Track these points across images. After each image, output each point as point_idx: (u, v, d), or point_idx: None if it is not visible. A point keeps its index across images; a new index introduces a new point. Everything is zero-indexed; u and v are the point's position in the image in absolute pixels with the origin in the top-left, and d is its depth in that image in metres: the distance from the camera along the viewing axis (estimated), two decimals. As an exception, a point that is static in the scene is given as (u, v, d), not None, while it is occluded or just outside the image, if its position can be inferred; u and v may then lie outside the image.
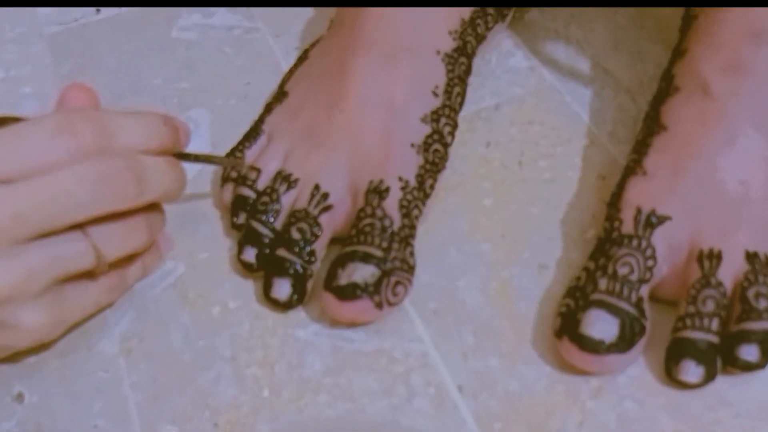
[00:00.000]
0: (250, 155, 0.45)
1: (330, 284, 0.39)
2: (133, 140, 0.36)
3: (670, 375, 0.37)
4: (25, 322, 0.35)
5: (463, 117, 0.48)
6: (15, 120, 0.35)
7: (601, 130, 0.48)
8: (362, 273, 0.39)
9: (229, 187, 0.44)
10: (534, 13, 0.55)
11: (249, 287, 0.43)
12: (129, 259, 0.40)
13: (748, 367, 0.36)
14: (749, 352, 0.36)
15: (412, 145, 0.43)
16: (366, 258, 0.39)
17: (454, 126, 0.45)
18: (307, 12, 0.57)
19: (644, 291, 0.38)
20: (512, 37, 0.54)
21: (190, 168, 0.46)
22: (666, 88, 0.43)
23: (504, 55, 0.53)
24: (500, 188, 0.46)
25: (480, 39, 0.48)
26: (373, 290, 0.39)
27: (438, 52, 0.45)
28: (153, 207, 0.39)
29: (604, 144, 0.47)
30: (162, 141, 0.37)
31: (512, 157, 0.47)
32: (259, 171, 0.43)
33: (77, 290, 0.37)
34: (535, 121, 0.49)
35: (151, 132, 0.37)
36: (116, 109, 0.37)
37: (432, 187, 0.43)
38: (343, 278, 0.39)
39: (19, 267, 0.33)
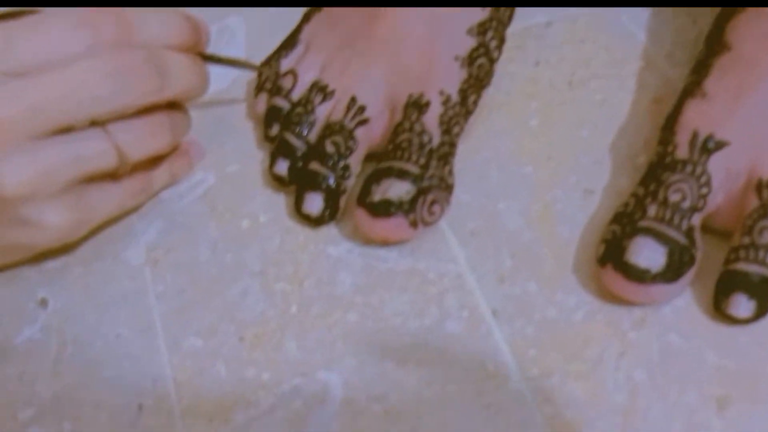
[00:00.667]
0: (286, 65, 0.44)
1: (363, 200, 0.38)
2: (155, 35, 0.36)
3: (719, 308, 0.35)
4: (46, 220, 0.34)
5: (511, 33, 0.46)
6: (32, 13, 0.34)
7: (657, 51, 0.46)
8: (397, 190, 0.38)
9: (263, 98, 0.44)
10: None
11: (280, 201, 0.42)
12: (154, 162, 0.39)
13: (806, 304, 0.35)
14: (807, 288, 0.34)
15: (456, 58, 0.41)
16: (402, 174, 0.38)
17: (502, 41, 0.43)
18: None
19: (696, 220, 0.36)
20: None
21: (224, 77, 0.46)
22: (732, 6, 0.40)
23: None
24: (548, 109, 0.45)
25: None
26: (407, 208, 0.38)
27: None
28: (177, 108, 0.39)
29: (660, 66, 0.45)
30: (184, 37, 0.37)
31: (562, 77, 0.46)
32: (295, 81, 0.43)
33: (101, 191, 0.37)
34: (587, 39, 0.47)
35: (173, 28, 0.36)
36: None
37: (475, 103, 0.42)
38: (377, 194, 0.38)
39: (37, 163, 0.33)
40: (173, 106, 0.38)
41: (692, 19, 0.47)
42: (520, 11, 0.47)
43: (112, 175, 0.37)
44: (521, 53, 0.47)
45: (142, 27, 0.35)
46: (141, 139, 0.36)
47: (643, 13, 0.48)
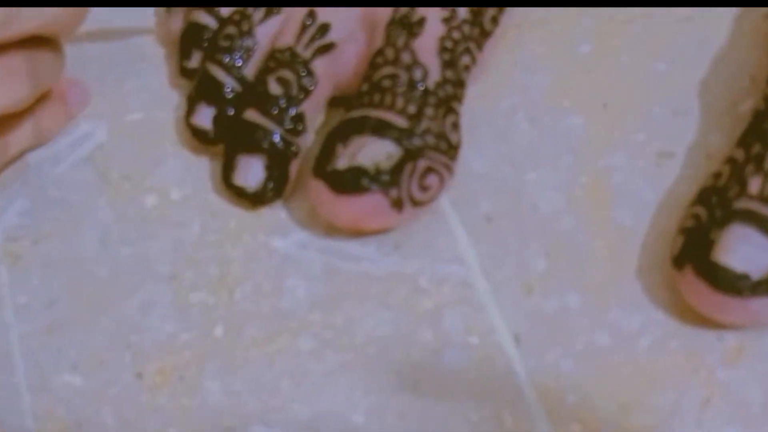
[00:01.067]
0: None
1: (323, 168, 0.40)
2: None
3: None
4: None
5: None
6: None
7: None
8: (373, 152, 0.40)
9: (180, 11, 0.46)
10: None
11: (203, 168, 0.44)
12: (11, 119, 0.40)
13: None
14: None
15: None
16: (381, 129, 0.40)
17: None
18: None
19: None
20: None
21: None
22: None
23: None
24: (607, 29, 0.47)
25: None
26: (388, 180, 0.39)
27: None
28: (42, 44, 0.40)
29: None
30: None
31: None
32: None
33: None
34: None
35: None
36: None
37: (495, 21, 0.44)
38: (344, 159, 0.40)
39: None
40: (37, 43, 0.39)
41: None
42: None
43: None
44: None
45: None
46: None
47: None
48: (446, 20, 0.42)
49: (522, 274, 0.40)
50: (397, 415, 0.37)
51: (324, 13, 0.43)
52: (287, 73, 0.42)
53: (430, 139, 0.40)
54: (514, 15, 0.46)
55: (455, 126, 0.41)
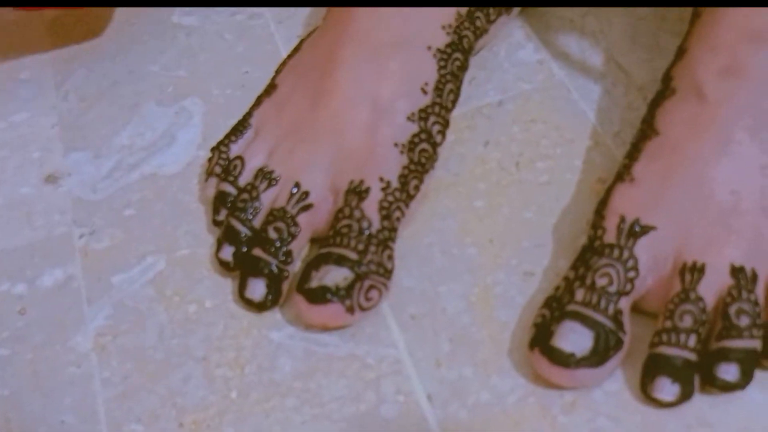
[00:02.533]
0: (236, 150, 0.48)
1: (302, 286, 0.42)
2: None
3: (645, 392, 0.39)
4: None
5: (464, 114, 0.51)
6: None
7: (606, 130, 0.50)
8: (334, 276, 0.42)
9: (213, 182, 0.48)
10: (550, 2, 0.57)
11: (227, 286, 0.46)
12: None
13: (727, 387, 0.38)
14: (728, 372, 0.38)
15: (396, 145, 0.45)
16: (340, 261, 0.42)
17: (445, 125, 0.47)
18: None
19: (624, 304, 0.40)
20: (524, 28, 0.56)
21: (178, 160, 0.50)
22: (663, 90, 0.45)
23: (513, 47, 0.55)
24: (494, 190, 0.48)
25: (480, 33, 0.50)
26: (344, 294, 0.41)
27: (429, 48, 0.47)
28: None
29: (607, 145, 0.49)
30: None
31: (510, 157, 0.50)
32: (242, 166, 0.47)
33: None
34: (538, 119, 0.51)
35: None
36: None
37: (417, 188, 0.46)
38: (315, 281, 0.42)
39: None
40: None
41: (643, 95, 0.50)
42: (470, 91, 0.52)
43: None
44: (471, 133, 0.51)
45: None
46: None
47: (594, 91, 0.52)
48: (383, 189, 0.43)
49: (434, 354, 0.42)
50: None
51: (305, 184, 0.44)
52: (281, 225, 0.43)
53: (373, 267, 0.42)
54: (431, 180, 0.47)
55: (390, 257, 0.43)
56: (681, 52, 0.45)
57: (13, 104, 0.56)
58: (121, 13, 0.61)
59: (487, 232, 0.47)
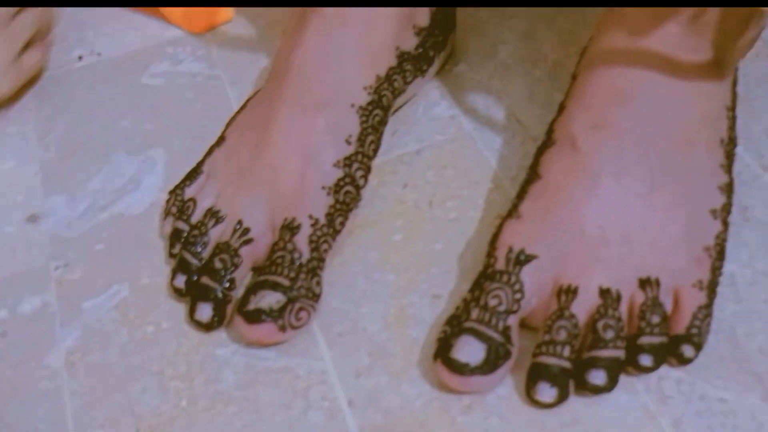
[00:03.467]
0: (190, 192, 0.49)
1: (241, 309, 0.43)
2: None
3: (529, 395, 0.40)
4: None
5: (387, 161, 0.53)
6: None
7: (505, 174, 0.52)
8: (269, 300, 0.43)
9: (170, 221, 0.49)
10: (462, 66, 0.59)
11: (181, 310, 0.46)
12: None
13: (597, 390, 0.40)
14: (597, 377, 0.40)
15: (323, 188, 0.46)
16: (274, 286, 0.43)
17: (367, 170, 0.49)
18: (262, 62, 0.61)
19: (512, 321, 0.41)
20: (439, 88, 0.57)
21: (143, 202, 0.51)
22: (546, 140, 0.46)
23: (430, 105, 0.56)
24: (410, 225, 0.49)
25: (397, 93, 0.52)
26: (277, 315, 0.42)
27: (353, 105, 0.48)
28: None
29: (505, 187, 0.51)
30: None
31: (425, 197, 0.51)
32: (194, 206, 0.48)
33: None
34: (449, 165, 0.52)
35: None
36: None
37: (342, 224, 0.47)
38: (252, 304, 0.43)
39: None
40: None
41: (536, 145, 0.51)
42: (393, 142, 0.53)
43: None
44: (393, 177, 0.52)
45: None
46: None
47: (496, 142, 0.54)
48: (312, 225, 0.44)
49: (355, 366, 0.43)
50: None
51: (247, 221, 0.45)
52: (225, 256, 0.44)
53: (303, 292, 0.43)
54: (356, 217, 0.48)
55: (318, 283, 0.44)
56: (561, 109, 0.47)
57: (2, 154, 0.56)
58: (97, 73, 0.61)
59: (404, 261, 0.48)
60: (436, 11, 0.54)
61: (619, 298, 0.41)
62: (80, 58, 0.64)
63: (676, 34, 0.44)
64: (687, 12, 0.43)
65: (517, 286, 0.41)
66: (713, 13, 0.43)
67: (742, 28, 0.44)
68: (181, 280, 0.46)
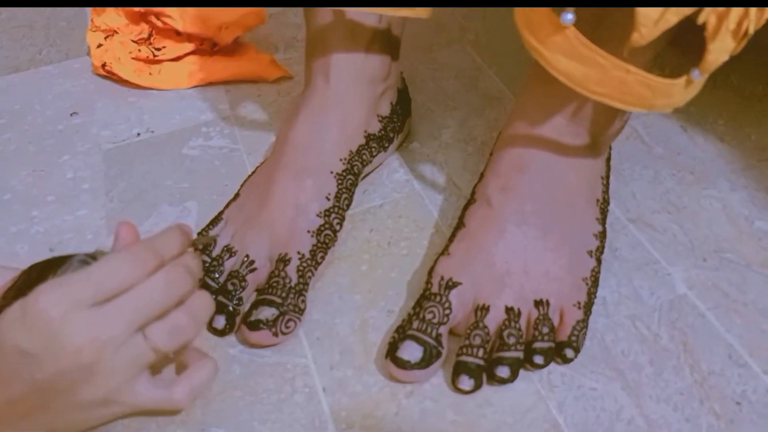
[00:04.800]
0: (212, 233, 0.50)
1: (245, 319, 0.44)
2: (173, 250, 0.38)
3: (453, 384, 0.41)
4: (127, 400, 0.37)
5: (358, 212, 0.54)
6: (89, 257, 0.37)
7: (444, 222, 0.53)
8: (266, 313, 0.44)
9: (198, 255, 0.49)
10: (415, 144, 0.60)
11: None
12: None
13: (502, 381, 0.41)
14: (503, 371, 0.41)
15: (309, 231, 0.47)
16: (270, 303, 0.44)
17: (342, 219, 0.49)
18: (271, 138, 0.62)
19: (443, 330, 0.42)
20: (398, 159, 0.59)
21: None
22: (471, 199, 0.48)
23: (391, 171, 0.58)
24: (374, 259, 0.50)
25: (365, 163, 0.53)
26: (271, 324, 0.43)
27: (332, 172, 0.49)
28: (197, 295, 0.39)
29: (444, 232, 0.52)
30: (184, 244, 0.39)
31: (385, 239, 0.52)
32: (215, 244, 0.48)
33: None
34: (403, 215, 0.53)
35: (177, 241, 0.38)
36: (152, 236, 0.39)
37: (323, 258, 0.47)
38: (253, 316, 0.44)
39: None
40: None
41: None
42: (363, 198, 0.54)
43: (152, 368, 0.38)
44: (362, 224, 0.53)
45: (165, 249, 0.37)
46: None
47: (438, 199, 0.55)
48: (300, 258, 0.44)
49: (329, 361, 0.43)
50: (272, 422, 0.40)
51: (252, 255, 0.45)
52: (236, 281, 0.45)
53: (291, 307, 0.43)
54: (334, 254, 0.48)
55: (303, 301, 0.44)
56: (480, 177, 0.49)
57: (77, 204, 0.57)
58: (150, 146, 0.63)
59: (368, 285, 0.48)
60: (396, 104, 0.55)
61: (519, 313, 0.42)
62: (138, 134, 0.65)
63: (562, 124, 0.45)
64: (570, 108, 0.45)
65: (446, 305, 0.42)
66: (588, 109, 0.45)
67: (610, 121, 0.46)
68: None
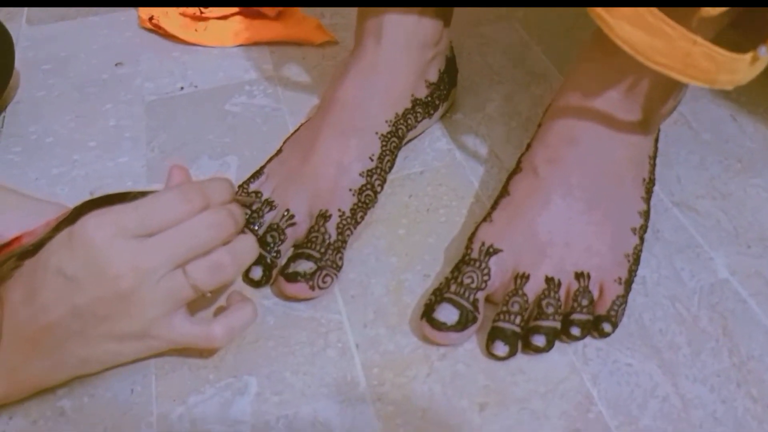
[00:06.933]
0: (253, 187, 0.50)
1: (282, 271, 0.44)
2: (220, 197, 0.39)
3: (488, 349, 0.41)
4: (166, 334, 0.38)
5: (399, 177, 0.53)
6: (141, 194, 0.38)
7: (484, 193, 0.52)
8: (304, 266, 0.44)
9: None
10: (459, 114, 0.60)
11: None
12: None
13: (538, 350, 0.41)
14: (539, 340, 0.40)
15: (350, 190, 0.47)
16: (308, 257, 0.44)
17: (383, 181, 0.49)
18: (314, 101, 0.62)
19: (480, 295, 0.42)
20: (441, 129, 0.58)
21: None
22: (516, 168, 0.48)
23: (433, 140, 0.57)
24: (412, 224, 0.50)
25: (410, 127, 0.53)
26: (309, 277, 0.43)
27: (377, 133, 0.49)
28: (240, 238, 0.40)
29: (483, 203, 0.51)
30: (231, 193, 0.40)
31: (424, 205, 0.52)
32: (258, 201, 0.48)
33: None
34: (443, 184, 0.53)
35: (225, 190, 0.39)
36: (201, 179, 0.40)
37: (362, 218, 0.47)
38: (291, 268, 0.44)
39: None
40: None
41: (508, 174, 0.53)
42: (404, 164, 0.54)
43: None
44: (401, 189, 0.52)
45: (212, 194, 0.38)
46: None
47: (479, 170, 0.54)
48: (340, 216, 0.44)
49: (363, 319, 0.43)
50: (303, 373, 0.40)
51: (292, 209, 0.45)
52: (275, 234, 0.44)
53: (329, 263, 0.43)
54: (373, 215, 0.48)
55: (341, 258, 0.44)
56: (527, 147, 0.48)
57: (119, 151, 0.57)
58: (193, 100, 0.63)
59: (404, 249, 0.48)
60: (444, 72, 0.55)
61: (559, 284, 0.42)
62: (182, 88, 0.65)
63: (616, 99, 0.45)
64: (626, 83, 0.44)
65: (485, 271, 0.42)
66: (644, 85, 0.44)
67: (665, 98, 0.46)
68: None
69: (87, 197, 0.39)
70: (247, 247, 0.39)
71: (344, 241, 0.46)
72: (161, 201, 0.36)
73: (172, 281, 0.36)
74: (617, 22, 0.36)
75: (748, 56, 0.35)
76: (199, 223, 0.36)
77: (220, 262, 0.37)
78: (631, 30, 0.35)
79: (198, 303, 0.42)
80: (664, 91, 0.45)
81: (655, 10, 0.35)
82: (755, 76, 0.37)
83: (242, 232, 0.44)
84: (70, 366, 0.37)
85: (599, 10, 0.36)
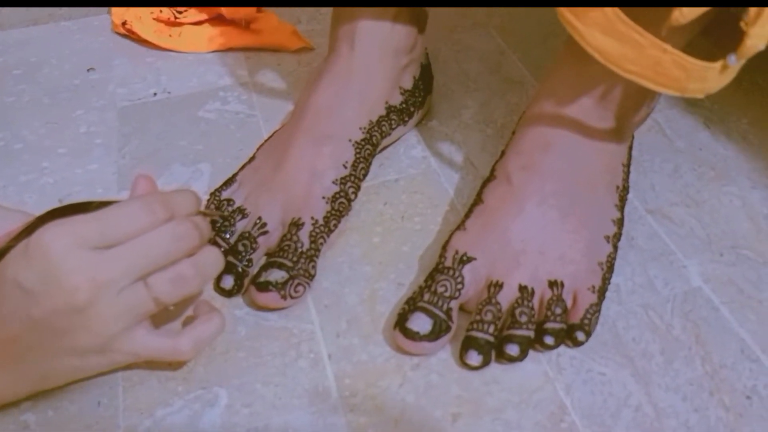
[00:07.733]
0: (225, 195, 0.49)
1: (254, 280, 0.43)
2: (185, 209, 0.38)
3: (461, 359, 0.41)
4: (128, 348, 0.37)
5: (373, 185, 0.53)
6: (103, 204, 0.36)
7: (459, 201, 0.52)
8: (275, 275, 0.43)
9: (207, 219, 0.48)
10: (434, 122, 0.60)
11: (210, 281, 0.46)
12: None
13: (511, 359, 0.40)
14: (512, 349, 0.40)
15: (323, 198, 0.46)
16: (280, 266, 0.44)
17: (357, 189, 0.49)
18: (288, 107, 0.62)
19: (454, 304, 0.42)
20: (416, 136, 0.58)
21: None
22: (490, 176, 0.47)
23: (408, 147, 0.57)
24: (387, 232, 0.50)
25: (385, 134, 0.52)
26: (281, 287, 0.43)
27: (350, 140, 0.49)
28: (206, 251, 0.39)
29: (458, 211, 0.51)
30: (196, 206, 0.39)
31: (399, 213, 0.51)
32: (228, 205, 0.48)
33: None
34: (418, 191, 0.53)
35: (191, 202, 0.38)
36: (165, 190, 0.39)
37: (336, 226, 0.47)
38: (263, 277, 0.43)
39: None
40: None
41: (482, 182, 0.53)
42: (379, 171, 0.54)
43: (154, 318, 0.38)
44: (376, 197, 0.52)
45: (176, 205, 0.37)
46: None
47: (454, 177, 0.54)
48: (313, 224, 0.44)
49: (336, 329, 0.42)
50: (274, 384, 0.40)
51: (265, 217, 0.44)
52: (246, 242, 0.44)
53: (301, 272, 0.43)
54: (346, 223, 0.47)
55: (314, 267, 0.44)
56: (501, 154, 0.48)
57: (89, 158, 0.57)
58: (166, 106, 0.62)
59: (379, 257, 0.48)
60: (419, 78, 0.55)
61: (532, 293, 0.41)
62: (155, 94, 0.64)
63: (589, 106, 0.45)
64: (599, 90, 0.44)
65: (459, 279, 0.42)
66: (617, 93, 0.44)
67: (637, 106, 0.46)
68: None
69: (56, 205, 0.38)
70: (212, 259, 0.38)
71: (317, 250, 0.45)
72: (123, 211, 0.35)
73: (132, 294, 0.35)
74: (588, 30, 0.36)
75: (718, 64, 0.35)
76: (161, 234, 0.35)
77: (183, 274, 0.36)
78: (602, 38, 0.35)
79: (164, 315, 0.41)
80: (637, 99, 0.45)
81: (625, 18, 0.35)
82: (726, 84, 0.37)
83: (212, 241, 0.44)
84: (31, 380, 0.36)
85: (570, 17, 0.36)
